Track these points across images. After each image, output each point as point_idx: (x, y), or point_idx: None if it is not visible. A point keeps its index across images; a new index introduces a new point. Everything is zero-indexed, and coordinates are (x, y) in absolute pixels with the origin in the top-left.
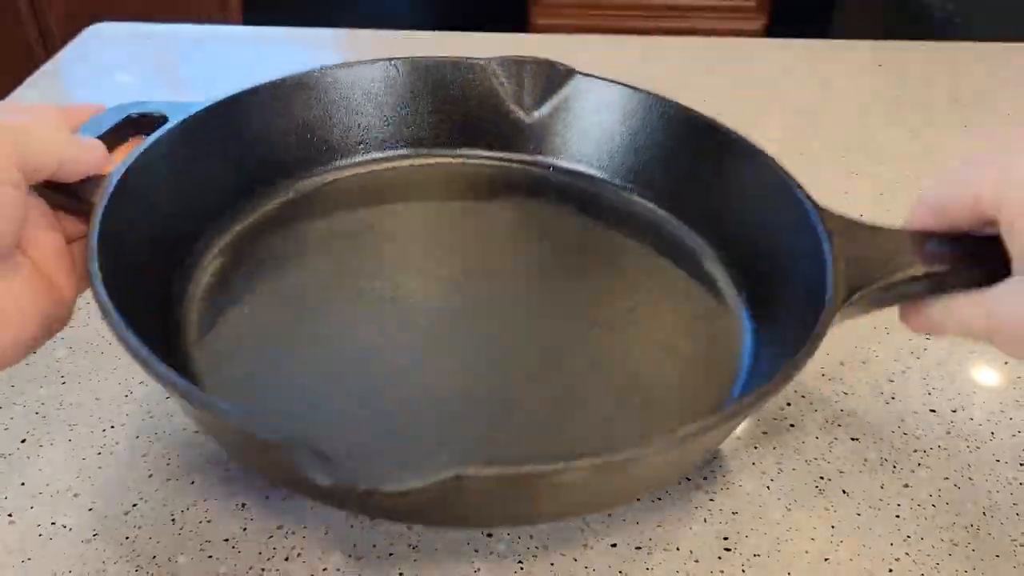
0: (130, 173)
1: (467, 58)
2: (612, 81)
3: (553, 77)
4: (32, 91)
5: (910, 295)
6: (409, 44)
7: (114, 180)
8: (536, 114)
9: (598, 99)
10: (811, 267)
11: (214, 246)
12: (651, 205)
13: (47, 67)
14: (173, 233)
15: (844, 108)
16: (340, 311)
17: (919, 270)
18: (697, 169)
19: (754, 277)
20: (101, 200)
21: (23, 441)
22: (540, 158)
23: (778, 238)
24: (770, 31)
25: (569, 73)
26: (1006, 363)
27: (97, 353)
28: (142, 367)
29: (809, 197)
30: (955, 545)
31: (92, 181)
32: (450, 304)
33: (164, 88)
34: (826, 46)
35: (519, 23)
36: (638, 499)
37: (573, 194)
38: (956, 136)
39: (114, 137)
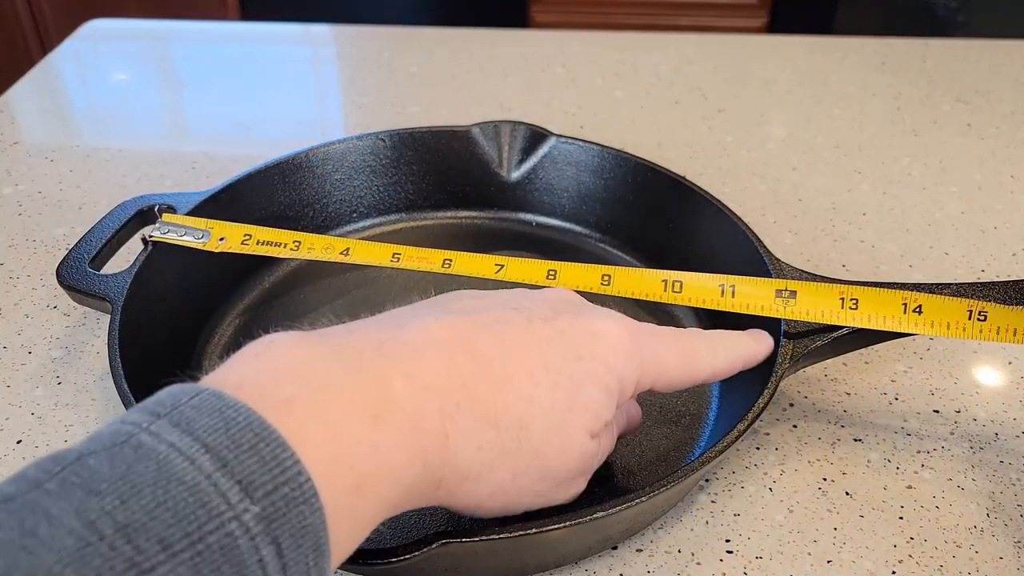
0: (143, 268)
1: (449, 126)
2: (586, 141)
3: (531, 139)
4: (28, 88)
5: (857, 345)
6: (409, 40)
7: (129, 278)
8: (517, 174)
9: (573, 158)
10: (768, 321)
11: (224, 321)
12: (627, 256)
13: (43, 64)
14: (186, 315)
15: (847, 106)
16: None
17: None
18: (668, 222)
19: (721, 324)
20: (119, 297)
21: (19, 442)
22: (522, 214)
23: None
24: (772, 29)
25: (546, 135)
26: (1010, 363)
27: (93, 354)
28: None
29: (768, 252)
30: (958, 547)
31: (111, 277)
32: None
33: (161, 86)
34: (828, 43)
35: (519, 20)
36: (614, 547)
37: (554, 246)
38: (959, 134)
39: (128, 230)
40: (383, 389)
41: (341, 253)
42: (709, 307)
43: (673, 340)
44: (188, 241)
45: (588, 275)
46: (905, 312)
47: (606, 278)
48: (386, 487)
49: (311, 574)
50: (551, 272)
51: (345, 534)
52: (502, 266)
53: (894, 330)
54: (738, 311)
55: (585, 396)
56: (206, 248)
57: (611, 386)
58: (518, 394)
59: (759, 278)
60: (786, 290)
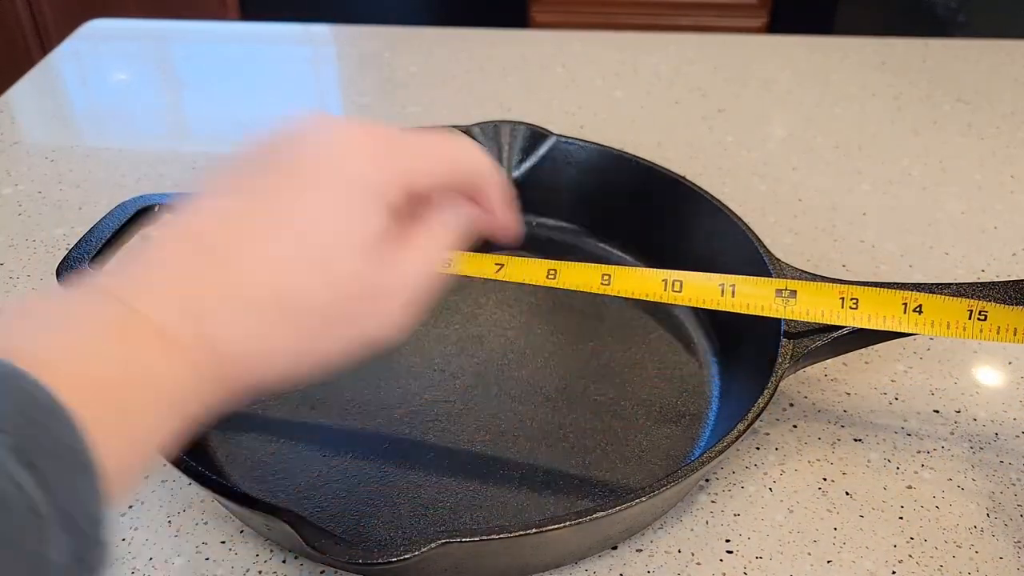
0: None
1: (449, 127)
2: (586, 141)
3: (531, 139)
4: (28, 88)
5: (857, 345)
6: (409, 40)
7: None
8: (517, 174)
9: (573, 158)
10: (768, 321)
11: None
12: (627, 256)
13: (43, 64)
14: None
15: (847, 105)
16: (341, 379)
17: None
18: (667, 222)
19: (721, 324)
20: None
21: None
22: (523, 215)
23: None
24: (772, 29)
25: (546, 135)
26: (1010, 363)
27: None
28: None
29: (768, 252)
30: (959, 547)
31: None
32: (443, 365)
33: (161, 86)
34: (829, 43)
35: (519, 20)
36: (614, 547)
37: (554, 246)
38: (959, 134)
39: (128, 230)
40: (125, 309)
41: None
42: (709, 307)
43: (422, 132)
44: None
45: (588, 275)
46: (905, 312)
47: (606, 278)
48: (152, 397)
49: (79, 491)
50: (551, 272)
51: (126, 447)
52: (502, 266)
53: (894, 330)
54: (738, 311)
55: (332, 223)
56: None
57: (360, 195)
58: (258, 262)
59: (759, 278)
60: (786, 290)
